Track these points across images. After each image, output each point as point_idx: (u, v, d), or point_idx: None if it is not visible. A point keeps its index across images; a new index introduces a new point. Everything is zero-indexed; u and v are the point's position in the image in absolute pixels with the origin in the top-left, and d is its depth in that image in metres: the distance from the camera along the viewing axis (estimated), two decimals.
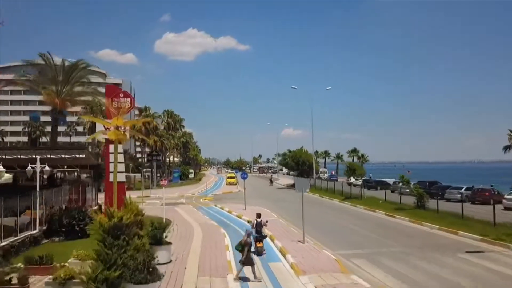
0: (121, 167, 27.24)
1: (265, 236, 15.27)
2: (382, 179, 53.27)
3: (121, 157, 27.18)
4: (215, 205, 34.01)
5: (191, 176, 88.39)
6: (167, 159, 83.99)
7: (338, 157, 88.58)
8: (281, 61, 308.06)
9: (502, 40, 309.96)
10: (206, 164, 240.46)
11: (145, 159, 57.08)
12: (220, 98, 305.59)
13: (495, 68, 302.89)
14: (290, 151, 54.78)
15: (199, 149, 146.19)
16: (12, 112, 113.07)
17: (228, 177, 67.85)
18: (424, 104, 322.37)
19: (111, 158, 24.47)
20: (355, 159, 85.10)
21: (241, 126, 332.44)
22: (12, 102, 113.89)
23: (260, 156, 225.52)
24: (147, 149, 60.31)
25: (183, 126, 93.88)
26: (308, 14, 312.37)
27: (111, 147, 25.43)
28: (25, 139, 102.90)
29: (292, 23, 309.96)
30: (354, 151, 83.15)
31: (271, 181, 65.18)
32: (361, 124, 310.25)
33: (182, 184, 66.21)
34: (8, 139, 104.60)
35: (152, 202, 38.83)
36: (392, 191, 45.99)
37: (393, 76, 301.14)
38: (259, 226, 14.62)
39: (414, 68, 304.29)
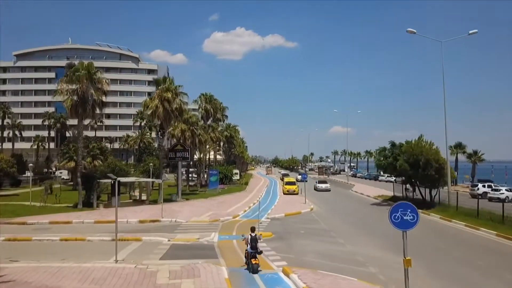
0: None
1: (261, 252, 13.77)
2: None
3: None
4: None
5: (236, 178, 69.78)
6: (206, 157, 65.67)
7: None
8: (329, 57, 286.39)
9: None
10: (253, 162, 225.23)
11: (167, 156, 38.63)
12: (267, 95, 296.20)
13: None
14: (394, 145, 33.72)
15: (246, 146, 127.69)
16: (36, 104, 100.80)
17: (287, 183, 48.09)
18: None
19: None
20: (462, 157, 62.13)
21: (288, 124, 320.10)
22: (37, 92, 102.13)
23: (312, 154, 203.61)
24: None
25: (226, 117, 75.42)
26: (357, 11, 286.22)
27: None
28: (48, 133, 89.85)
29: (340, 19, 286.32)
30: (459, 146, 60.09)
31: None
32: (412, 121, 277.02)
33: (222, 191, 47.36)
34: (28, 133, 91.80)
35: (153, 240, 19.79)
36: None
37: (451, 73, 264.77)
38: (254, 241, 13.25)
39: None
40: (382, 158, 33.62)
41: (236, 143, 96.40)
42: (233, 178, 65.17)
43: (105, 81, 31.69)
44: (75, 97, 30.64)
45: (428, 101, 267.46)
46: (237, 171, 75.07)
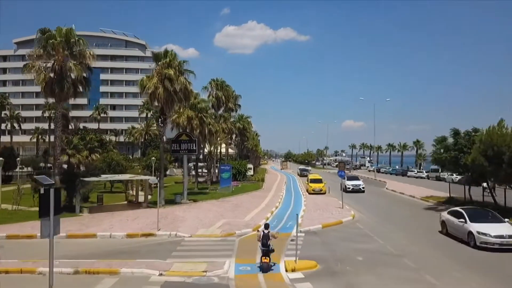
0: None
1: (272, 250, 13.13)
2: None
3: None
4: None
5: (250, 173, 63.06)
6: (216, 150, 58.94)
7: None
8: (341, 50, 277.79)
9: None
10: (266, 156, 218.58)
11: (170, 148, 31.91)
12: (278, 89, 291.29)
13: None
14: (458, 133, 26.10)
15: (259, 139, 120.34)
16: (38, 94, 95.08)
17: (312, 181, 40.98)
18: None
19: None
20: None
21: (300, 118, 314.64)
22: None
23: (326, 148, 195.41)
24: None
25: (239, 106, 68.66)
26: (370, 4, 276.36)
27: None
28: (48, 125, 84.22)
29: (353, 12, 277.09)
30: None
31: None
32: (427, 114, 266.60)
33: (236, 190, 40.63)
34: (29, 125, 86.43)
35: (136, 274, 12.90)
36: None
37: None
38: (265, 238, 12.79)
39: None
40: (442, 151, 26.24)
41: (249, 136, 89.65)
42: (247, 174, 58.49)
43: (90, 53, 24.99)
44: (50, 73, 24.03)
45: (440, 95, 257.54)
46: (251, 166, 68.42)
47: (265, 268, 12.70)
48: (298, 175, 76.17)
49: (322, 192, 38.80)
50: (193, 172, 49.68)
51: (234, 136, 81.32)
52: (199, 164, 60.66)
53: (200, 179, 54.85)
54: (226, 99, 57.33)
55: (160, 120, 30.11)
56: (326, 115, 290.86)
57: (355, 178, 43.24)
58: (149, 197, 33.23)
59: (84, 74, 25.21)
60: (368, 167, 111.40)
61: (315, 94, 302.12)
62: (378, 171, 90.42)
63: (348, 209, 26.52)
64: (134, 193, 33.05)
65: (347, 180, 37.85)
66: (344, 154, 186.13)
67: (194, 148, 30.23)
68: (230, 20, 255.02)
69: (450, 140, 26.24)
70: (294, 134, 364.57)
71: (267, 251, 12.87)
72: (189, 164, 58.99)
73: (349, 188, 38.53)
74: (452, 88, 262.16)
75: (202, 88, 56.29)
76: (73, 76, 24.39)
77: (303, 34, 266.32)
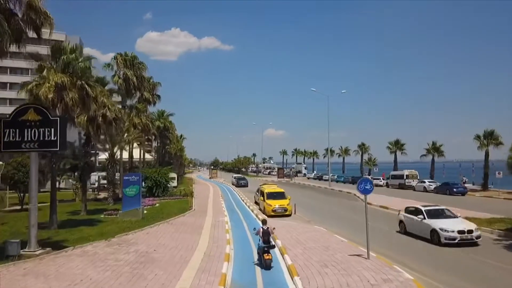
0: None
1: (274, 246, 12.64)
2: None
3: None
4: None
5: (173, 184, 47.57)
6: (122, 152, 42.09)
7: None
8: (264, 61, 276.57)
9: None
10: (191, 165, 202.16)
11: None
12: (202, 98, 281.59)
13: None
14: None
15: (183, 144, 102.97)
16: None
17: (270, 196, 26.77)
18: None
19: None
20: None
21: (223, 126, 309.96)
22: None
23: (254, 155, 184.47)
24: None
25: (159, 97, 52.89)
26: (292, 16, 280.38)
27: None
28: None
29: (276, 24, 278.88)
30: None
31: None
32: (346, 122, 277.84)
33: (149, 213, 25.17)
34: None
35: None
36: None
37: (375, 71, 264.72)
38: (266, 235, 12.15)
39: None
40: None
41: (172, 138, 73.62)
42: (169, 186, 42.48)
43: None
44: None
45: (358, 103, 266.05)
46: (174, 175, 52.31)
47: (268, 265, 11.85)
48: (233, 185, 62.09)
49: (286, 213, 25.14)
50: (97, 185, 32.92)
51: (153, 138, 65.09)
52: (100, 174, 43.72)
53: (102, 195, 38.45)
54: (139, 82, 41.34)
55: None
56: (250, 123, 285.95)
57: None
58: None
59: None
60: (305, 174, 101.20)
61: (239, 103, 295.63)
62: (320, 178, 79.90)
63: (376, 258, 12.84)
64: None
65: None
66: (271, 161, 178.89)
67: (53, 138, 14.44)
68: (152, 26, 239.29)
69: None
70: (220, 142, 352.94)
71: (268, 247, 12.07)
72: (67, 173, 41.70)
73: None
74: (369, 94, 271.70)
75: (103, 65, 40.10)
76: None
77: (227, 43, 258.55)
